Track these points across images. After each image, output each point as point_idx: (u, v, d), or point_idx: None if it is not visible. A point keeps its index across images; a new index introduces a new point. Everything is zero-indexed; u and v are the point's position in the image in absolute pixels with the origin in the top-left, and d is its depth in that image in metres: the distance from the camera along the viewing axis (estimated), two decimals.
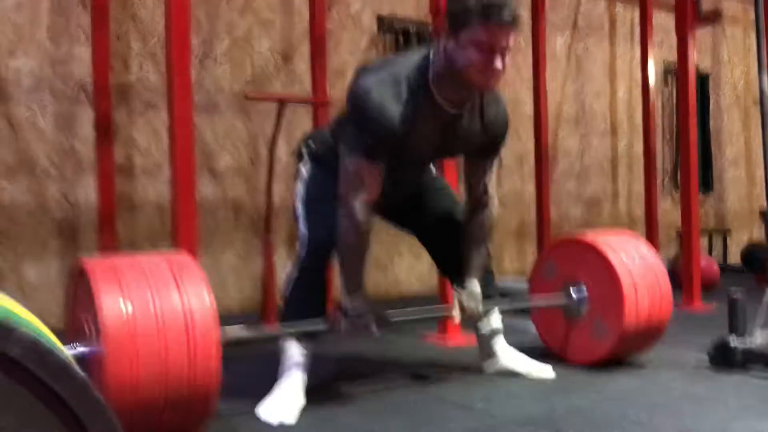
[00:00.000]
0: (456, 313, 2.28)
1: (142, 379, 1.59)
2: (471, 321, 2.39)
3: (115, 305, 1.61)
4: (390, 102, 1.91)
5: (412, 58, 2.03)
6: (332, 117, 2.32)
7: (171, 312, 1.65)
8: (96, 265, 1.72)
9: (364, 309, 2.08)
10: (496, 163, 2.24)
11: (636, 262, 2.51)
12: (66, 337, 1.96)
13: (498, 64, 1.87)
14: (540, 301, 2.65)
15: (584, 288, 2.55)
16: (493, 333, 2.49)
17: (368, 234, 2.03)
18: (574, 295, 2.54)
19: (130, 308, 1.62)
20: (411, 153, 2.07)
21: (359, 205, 1.97)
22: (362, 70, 2.04)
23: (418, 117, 1.96)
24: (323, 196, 2.17)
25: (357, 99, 1.94)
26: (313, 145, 2.30)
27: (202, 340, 1.67)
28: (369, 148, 1.93)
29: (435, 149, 2.15)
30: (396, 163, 2.03)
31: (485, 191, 2.25)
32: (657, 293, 2.52)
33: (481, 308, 2.30)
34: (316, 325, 2.12)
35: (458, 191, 2.59)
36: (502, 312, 2.51)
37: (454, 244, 2.38)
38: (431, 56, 1.98)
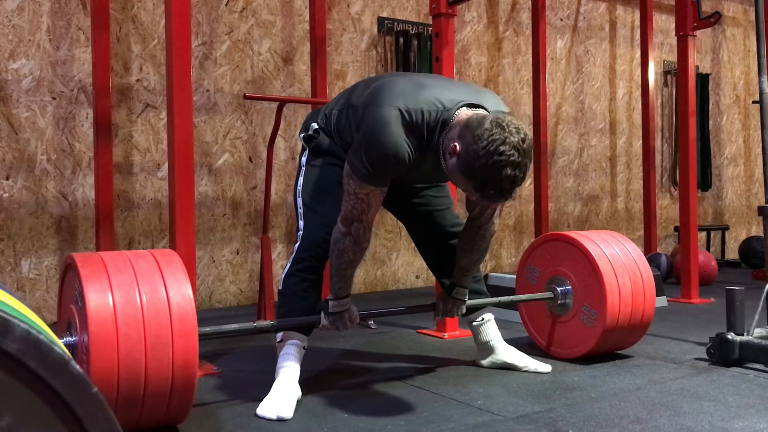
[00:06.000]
0: (437, 316, 2.44)
1: (123, 369, 1.63)
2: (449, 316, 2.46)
3: (100, 296, 1.65)
4: (406, 139, 1.90)
5: (436, 102, 1.95)
6: (331, 106, 2.29)
7: (153, 304, 1.69)
8: (84, 258, 1.76)
9: (343, 308, 2.13)
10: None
11: (611, 249, 2.59)
12: (57, 329, 1.99)
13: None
14: (526, 295, 2.71)
15: (566, 281, 2.62)
16: (488, 329, 2.51)
17: (367, 249, 2.05)
18: (558, 289, 2.63)
19: (114, 300, 1.66)
20: (414, 176, 2.11)
21: (364, 227, 2.00)
22: (385, 96, 1.96)
23: (427, 158, 1.98)
24: (322, 192, 2.18)
25: (375, 131, 1.91)
26: (314, 133, 2.24)
27: (181, 332, 1.71)
28: (378, 177, 1.93)
29: (436, 179, 2.25)
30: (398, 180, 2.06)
31: (487, 219, 2.22)
32: (638, 277, 2.58)
33: (459, 312, 2.40)
34: (307, 320, 2.17)
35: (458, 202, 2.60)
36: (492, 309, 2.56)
37: (446, 255, 2.42)
38: (449, 123, 1.92)
